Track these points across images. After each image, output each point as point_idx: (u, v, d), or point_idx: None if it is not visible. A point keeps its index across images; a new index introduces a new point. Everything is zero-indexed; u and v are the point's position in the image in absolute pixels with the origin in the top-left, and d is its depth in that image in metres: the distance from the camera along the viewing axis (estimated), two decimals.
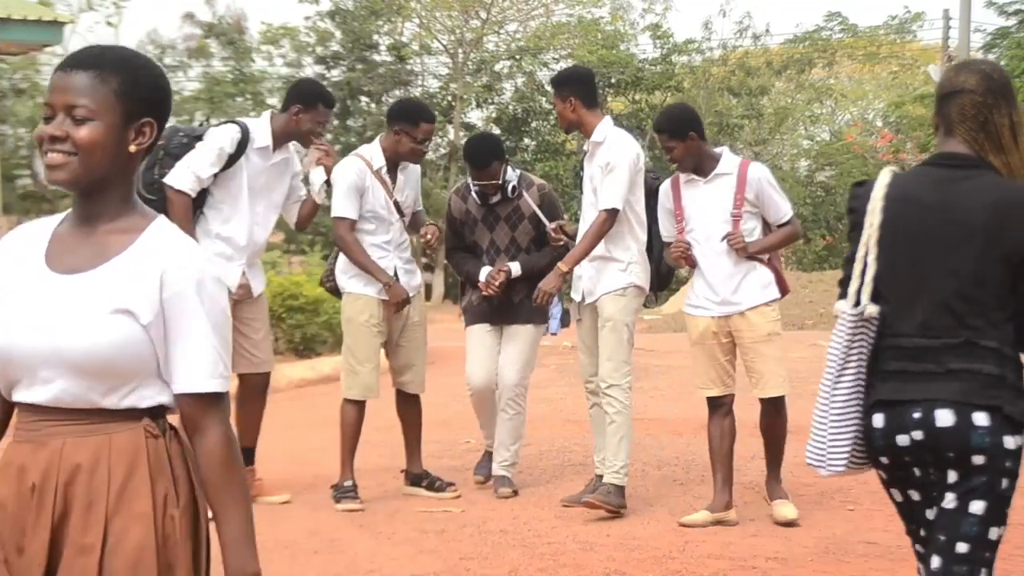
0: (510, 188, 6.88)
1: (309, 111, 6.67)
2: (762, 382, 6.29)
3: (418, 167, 7.04)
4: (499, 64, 38.97)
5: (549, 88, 7.18)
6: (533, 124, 39.66)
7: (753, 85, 39.45)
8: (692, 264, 6.32)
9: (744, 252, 6.19)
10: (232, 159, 6.54)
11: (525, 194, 6.92)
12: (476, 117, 40.80)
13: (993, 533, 3.23)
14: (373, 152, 6.80)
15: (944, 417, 3.20)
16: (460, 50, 38.43)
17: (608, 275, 6.44)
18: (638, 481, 7.08)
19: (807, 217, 45.12)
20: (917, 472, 3.31)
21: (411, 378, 6.96)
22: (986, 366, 3.22)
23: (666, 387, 11.42)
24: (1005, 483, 3.21)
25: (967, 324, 3.25)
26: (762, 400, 6.35)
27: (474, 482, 7.11)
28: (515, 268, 6.87)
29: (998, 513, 3.23)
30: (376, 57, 37.04)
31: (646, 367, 12.08)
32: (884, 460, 3.35)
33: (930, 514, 3.31)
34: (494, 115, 40.07)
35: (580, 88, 6.56)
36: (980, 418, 3.18)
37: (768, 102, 40.65)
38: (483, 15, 37.54)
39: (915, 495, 3.36)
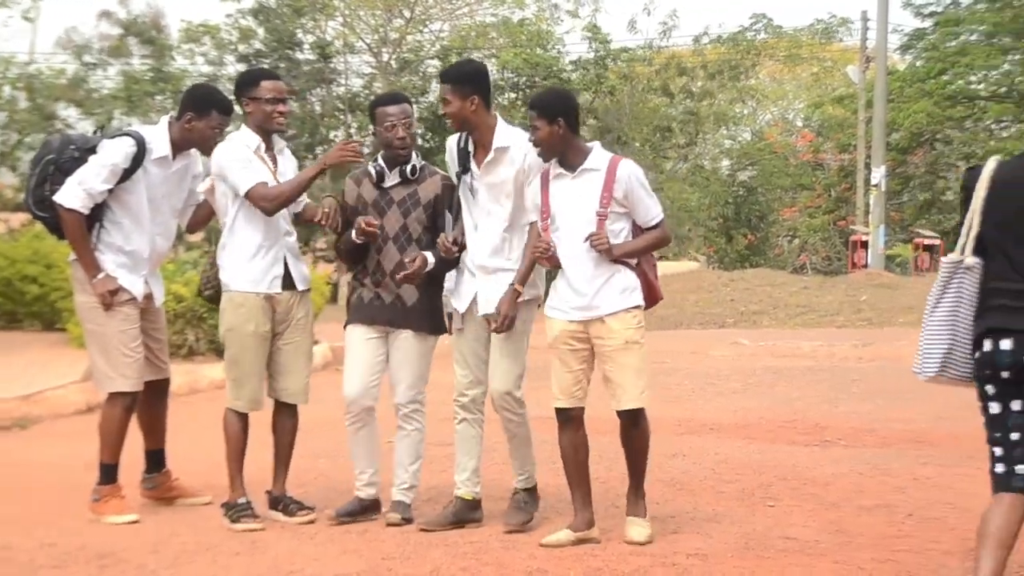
0: (409, 169, 6.37)
1: (202, 118, 6.46)
2: (618, 394, 5.89)
3: (292, 158, 6.63)
4: (425, 64, 38.87)
5: (441, 83, 6.40)
6: None
7: (695, 89, 39.57)
8: (556, 264, 5.93)
9: (609, 254, 5.82)
10: (128, 172, 6.34)
11: (428, 179, 6.41)
12: None
13: None
14: (245, 135, 6.41)
15: None
16: (384, 49, 38.32)
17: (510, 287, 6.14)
18: (561, 480, 7.09)
19: (729, 216, 45.58)
20: None
21: (290, 385, 6.47)
22: None
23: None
24: None
25: None
26: (620, 413, 5.94)
27: (328, 522, 6.36)
28: (430, 259, 6.27)
29: None
30: (299, 55, 36.82)
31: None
32: (1005, 375, 4.42)
33: None
34: (420, 115, 39.98)
35: (484, 87, 6.17)
36: None
37: (696, 104, 40.85)
38: (407, 14, 37.45)
39: (1017, 405, 4.44)
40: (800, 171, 47.65)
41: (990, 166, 4.61)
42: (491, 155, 6.16)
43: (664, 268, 28.49)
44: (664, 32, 40.01)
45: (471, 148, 6.26)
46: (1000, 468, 4.51)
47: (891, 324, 21.08)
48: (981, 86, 41.29)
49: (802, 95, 52.82)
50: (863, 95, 38.28)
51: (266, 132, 6.42)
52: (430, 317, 6.44)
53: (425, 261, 6.25)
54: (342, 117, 37.72)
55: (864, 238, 33.16)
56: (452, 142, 6.39)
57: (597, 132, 32.72)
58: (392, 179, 6.38)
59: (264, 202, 6.26)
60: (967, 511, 6.53)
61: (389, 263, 6.33)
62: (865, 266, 31.60)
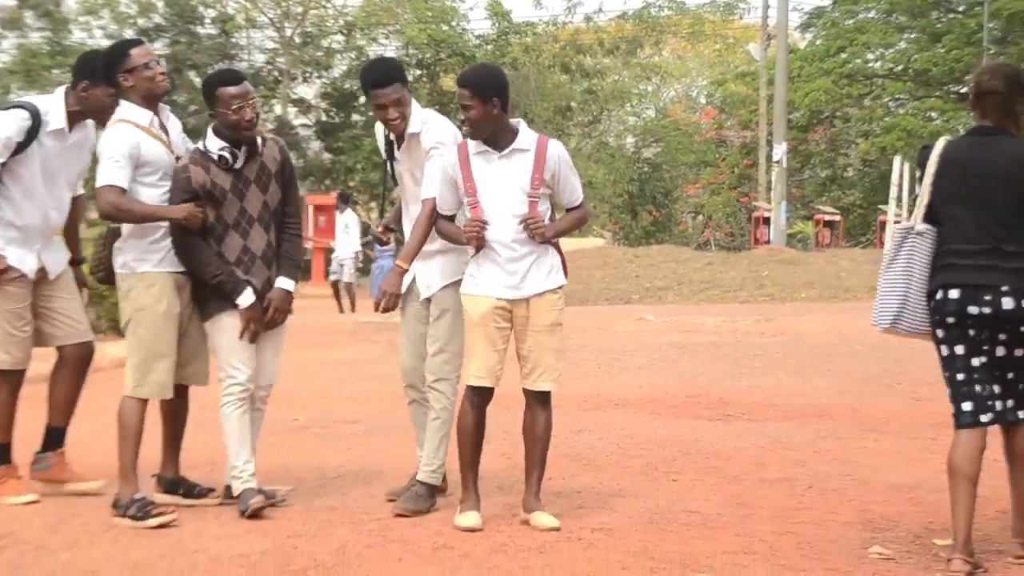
0: (260, 142, 6.11)
1: (98, 86, 6.23)
2: (535, 373, 5.86)
3: (177, 121, 6.32)
4: (328, 39, 38.59)
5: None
6: (363, 100, 39.35)
7: (590, 66, 39.70)
8: (482, 245, 5.81)
9: (542, 236, 5.77)
10: (22, 145, 6.14)
11: (266, 148, 6.15)
12: (304, 92, 40.36)
13: None
14: (134, 112, 6.03)
15: (1007, 301, 4.95)
16: (287, 24, 37.95)
17: (450, 265, 6.11)
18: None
19: (634, 193, 45.87)
20: (972, 333, 5.06)
21: (197, 369, 6.21)
22: (1013, 264, 4.98)
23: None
24: None
25: (995, 236, 5.02)
26: (530, 393, 5.90)
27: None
28: (291, 287, 6.15)
29: None
30: (200, 30, 36.36)
31: None
32: (951, 320, 5.06)
33: (975, 362, 5.07)
34: (324, 91, 39.70)
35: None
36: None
37: (600, 81, 41.01)
38: None
39: (960, 349, 5.09)
40: (704, 148, 48.09)
41: (939, 145, 5.24)
42: (404, 142, 6.13)
43: (570, 245, 28.55)
44: (569, 8, 40.18)
45: (392, 136, 6.20)
46: (966, 405, 5.13)
47: (793, 299, 21.39)
48: (878, 64, 42.02)
49: (705, 72, 53.25)
50: (764, 73, 38.68)
51: (154, 100, 6.11)
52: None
53: (285, 292, 6.12)
54: None
55: (766, 214, 33.54)
56: (381, 131, 6.32)
57: None
58: (242, 158, 6.07)
59: (107, 205, 5.87)
60: (865, 483, 6.67)
61: (258, 246, 6.09)
62: (767, 242, 31.97)
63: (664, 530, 5.69)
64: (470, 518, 5.74)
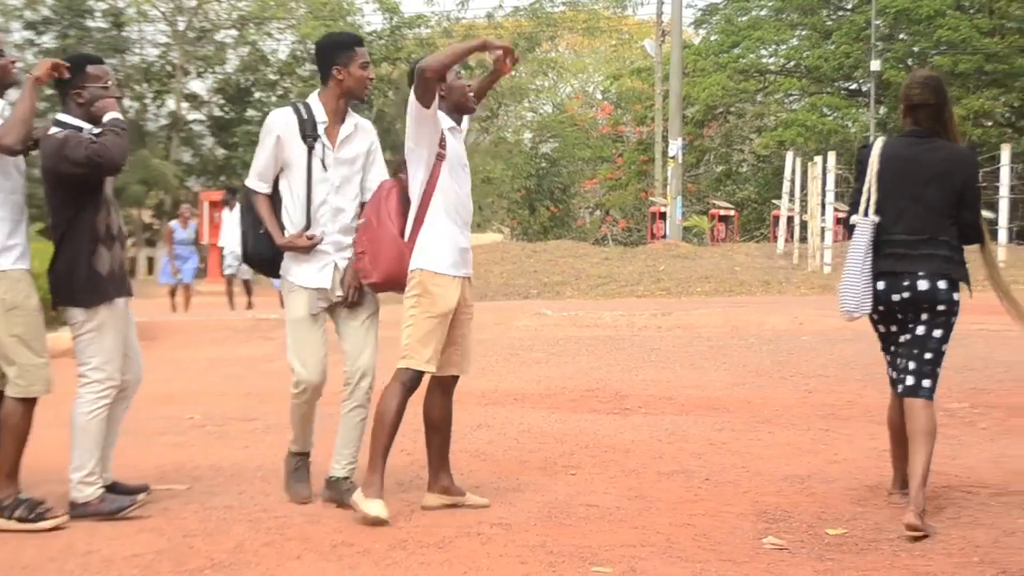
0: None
1: None
2: (468, 359, 6.00)
3: None
4: (221, 33, 38.17)
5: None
6: (257, 95, 39.05)
7: (489, 62, 39.79)
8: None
9: None
10: None
11: None
12: (198, 87, 39.92)
13: (944, 348, 5.67)
14: None
15: (923, 284, 5.58)
16: (179, 18, 37.47)
17: None
18: (363, 452, 7.09)
19: (532, 188, 46.03)
20: (899, 315, 5.69)
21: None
22: (941, 252, 5.59)
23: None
24: (953, 319, 5.67)
25: (931, 227, 5.62)
26: (451, 381, 6.00)
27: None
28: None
29: (947, 337, 5.67)
30: (91, 23, 35.75)
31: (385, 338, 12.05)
32: (881, 308, 5.70)
33: (903, 339, 5.71)
34: (217, 85, 39.30)
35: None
36: (942, 283, 5.59)
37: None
38: None
39: (894, 327, 5.77)
40: (600, 143, 48.42)
41: (878, 144, 5.80)
42: (351, 129, 6.07)
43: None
44: (461, 2, 40.27)
45: (323, 119, 6.04)
46: (892, 373, 5.90)
47: (688, 294, 21.59)
48: (771, 60, 42.66)
49: (601, 68, 53.59)
50: (660, 68, 39.03)
51: (2, 88, 5.77)
52: None
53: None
54: (137, 87, 36.77)
55: (663, 209, 33.83)
56: (291, 115, 6.02)
57: (399, 105, 32.60)
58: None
59: (3, 141, 5.51)
60: (760, 475, 6.76)
61: (115, 225, 5.94)
62: (664, 237, 32.23)
63: (563, 524, 5.72)
64: (377, 506, 5.66)
